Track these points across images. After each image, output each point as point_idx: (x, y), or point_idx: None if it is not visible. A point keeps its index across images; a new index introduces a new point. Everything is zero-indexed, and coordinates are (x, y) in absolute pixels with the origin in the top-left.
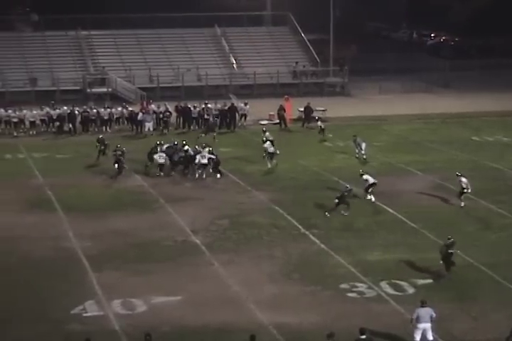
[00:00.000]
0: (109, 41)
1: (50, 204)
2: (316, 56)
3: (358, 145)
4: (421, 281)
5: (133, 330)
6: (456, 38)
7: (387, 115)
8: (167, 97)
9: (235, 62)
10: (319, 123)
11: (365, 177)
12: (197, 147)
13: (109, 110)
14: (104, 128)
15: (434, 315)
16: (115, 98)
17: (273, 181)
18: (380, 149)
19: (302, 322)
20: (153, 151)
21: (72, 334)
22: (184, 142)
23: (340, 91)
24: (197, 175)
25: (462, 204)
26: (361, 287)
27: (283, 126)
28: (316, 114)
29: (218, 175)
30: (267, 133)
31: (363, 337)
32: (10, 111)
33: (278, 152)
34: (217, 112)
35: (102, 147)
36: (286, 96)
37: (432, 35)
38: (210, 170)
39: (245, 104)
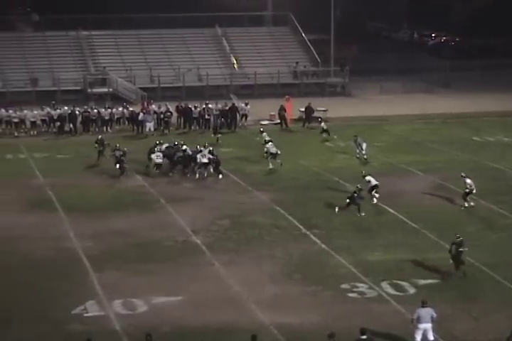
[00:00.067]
0: (110, 41)
1: (50, 204)
2: (316, 56)
3: (358, 145)
4: (422, 281)
5: (134, 330)
6: (456, 38)
7: (387, 115)
8: (168, 97)
9: (235, 62)
10: (322, 124)
11: (367, 178)
12: (198, 146)
13: (109, 110)
14: (104, 128)
15: (434, 315)
16: (116, 98)
17: (274, 181)
18: (381, 149)
19: (303, 323)
20: (152, 151)
21: (73, 334)
22: (182, 142)
23: (341, 91)
24: (197, 175)
25: (466, 204)
26: (362, 287)
27: (284, 126)
28: (317, 115)
29: (220, 176)
30: (264, 134)
31: (364, 337)
32: (11, 111)
33: (279, 152)
34: (217, 112)
35: (101, 148)
36: (286, 97)
37: (433, 35)
38: (212, 171)
39: (246, 104)
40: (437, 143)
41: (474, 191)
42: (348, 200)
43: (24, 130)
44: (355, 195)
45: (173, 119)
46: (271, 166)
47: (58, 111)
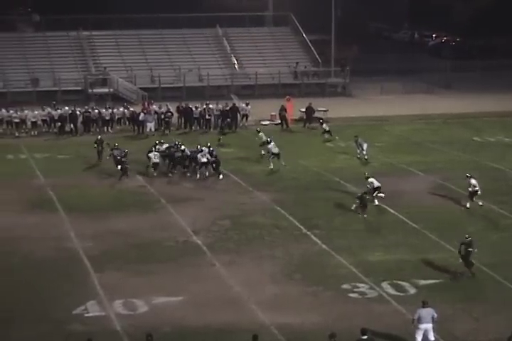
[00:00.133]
0: (111, 41)
1: (51, 204)
2: (317, 56)
3: (359, 145)
4: (422, 282)
5: (134, 331)
6: (457, 38)
7: (388, 115)
8: (168, 98)
9: (236, 62)
10: (324, 125)
11: (370, 180)
12: (198, 146)
13: (110, 110)
14: (105, 128)
15: (435, 315)
16: (117, 98)
17: (274, 181)
18: (382, 149)
19: (304, 323)
20: (150, 150)
21: (73, 334)
22: (180, 143)
23: (341, 91)
24: (198, 175)
25: (468, 205)
26: (363, 287)
27: (284, 126)
28: (318, 115)
29: (220, 176)
30: (261, 133)
31: (365, 337)
32: (12, 111)
33: (263, 152)
34: (218, 113)
35: (100, 148)
36: (287, 97)
37: (434, 35)
38: (211, 170)
39: (247, 105)
40: (438, 143)
41: (479, 192)
42: (358, 201)
43: (25, 130)
44: (366, 195)
45: (174, 119)
46: (272, 166)
47: (59, 111)
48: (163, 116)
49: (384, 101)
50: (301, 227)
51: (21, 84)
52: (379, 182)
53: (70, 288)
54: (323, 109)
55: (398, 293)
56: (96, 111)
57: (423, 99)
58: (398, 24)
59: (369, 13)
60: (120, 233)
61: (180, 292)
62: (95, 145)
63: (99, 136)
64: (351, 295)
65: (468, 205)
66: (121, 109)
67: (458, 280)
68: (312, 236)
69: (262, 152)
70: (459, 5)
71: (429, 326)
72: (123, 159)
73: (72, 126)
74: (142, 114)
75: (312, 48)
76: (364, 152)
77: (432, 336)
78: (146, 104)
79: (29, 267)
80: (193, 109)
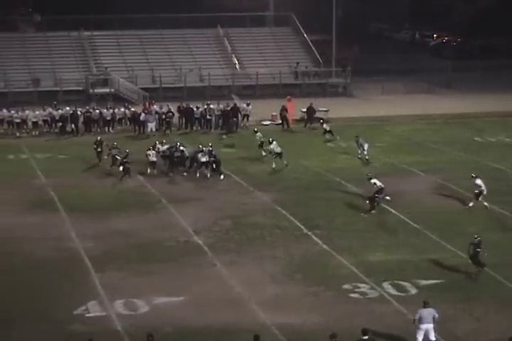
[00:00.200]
0: (112, 42)
1: (52, 204)
2: (318, 57)
3: (360, 145)
4: (423, 282)
5: (135, 331)
6: (458, 38)
7: (389, 116)
8: (169, 98)
9: (237, 62)
10: (325, 125)
11: (373, 181)
12: (200, 146)
13: (111, 110)
14: (106, 128)
15: (436, 315)
16: (118, 98)
17: (275, 182)
18: (383, 150)
19: (305, 323)
20: (148, 149)
21: (74, 334)
22: (179, 143)
23: (342, 91)
24: (198, 174)
25: (470, 204)
26: (364, 287)
27: (285, 126)
28: (318, 115)
29: (221, 177)
30: (258, 133)
31: (366, 337)
32: (13, 111)
33: (264, 153)
34: (219, 113)
35: (100, 149)
36: (288, 97)
37: (435, 35)
38: (211, 170)
39: (248, 105)
40: (439, 143)
41: (485, 192)
42: (368, 201)
43: (26, 130)
44: (377, 195)
45: (175, 120)
46: (274, 165)
47: (60, 111)
48: (164, 117)
49: (385, 101)
50: (302, 227)
51: (22, 84)
52: (382, 182)
53: (71, 288)
54: (324, 109)
55: (399, 293)
56: (97, 111)
57: (424, 99)
58: (399, 24)
59: (370, 13)
60: (121, 233)
61: (182, 292)
62: (95, 147)
63: (99, 137)
64: (352, 295)
65: (471, 204)
66: (122, 109)
67: (475, 279)
68: (313, 237)
69: (263, 153)
70: (460, 5)
71: (430, 326)
72: (125, 159)
73: (73, 126)
74: (143, 114)
75: (313, 48)
76: (365, 152)
77: (432, 336)
78: (147, 104)
79: (30, 267)
80: (194, 109)
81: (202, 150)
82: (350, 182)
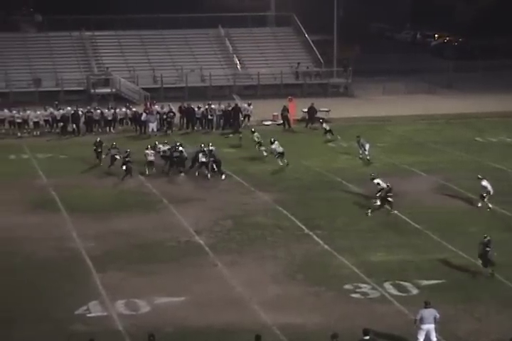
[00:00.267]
0: (113, 42)
1: (53, 204)
2: (319, 57)
3: (361, 145)
4: (425, 282)
5: (136, 331)
6: (459, 38)
7: (390, 116)
8: (171, 98)
9: (238, 62)
10: (324, 125)
11: (376, 181)
12: (202, 145)
13: (112, 111)
14: (107, 128)
15: (437, 316)
16: (119, 98)
17: (277, 182)
18: (384, 150)
19: (306, 323)
20: (147, 148)
21: (75, 334)
22: (178, 143)
23: (343, 91)
24: (197, 173)
25: (479, 204)
26: (365, 288)
27: (286, 126)
28: (319, 115)
29: (223, 176)
30: (256, 134)
31: (367, 337)
32: (14, 111)
33: (265, 153)
34: (220, 113)
35: (100, 149)
36: (289, 97)
37: (436, 35)
38: (211, 170)
39: (249, 105)
40: (440, 143)
41: (491, 193)
42: (380, 200)
43: (27, 130)
44: (388, 195)
45: (176, 120)
46: (281, 163)
47: (61, 111)
48: (165, 117)
49: (386, 101)
50: (303, 227)
51: (24, 85)
52: (385, 182)
53: (72, 288)
54: (326, 109)
55: (400, 294)
56: (98, 111)
57: (425, 99)
58: (400, 24)
59: (371, 13)
60: (122, 233)
61: (183, 292)
62: (94, 148)
63: (98, 138)
64: (353, 295)
65: (479, 204)
66: (123, 109)
67: (491, 278)
68: (314, 237)
69: (265, 153)
70: (462, 5)
71: (432, 326)
72: (127, 158)
73: (74, 126)
74: (144, 114)
75: (314, 48)
76: (366, 152)
77: (434, 336)
78: (148, 104)
79: (31, 267)
80: (195, 109)
81: (202, 150)
82: (351, 182)
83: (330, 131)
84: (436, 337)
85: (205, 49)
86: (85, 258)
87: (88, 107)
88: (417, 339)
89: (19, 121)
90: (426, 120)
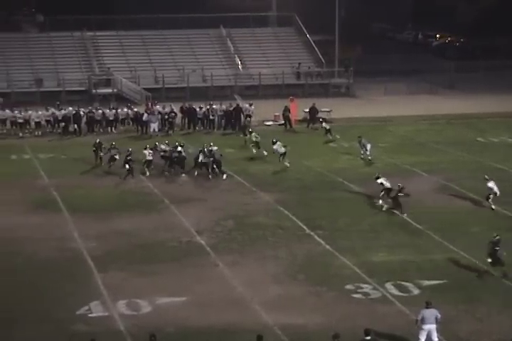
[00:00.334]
0: (115, 42)
1: (55, 204)
2: (321, 57)
3: (363, 146)
4: (426, 282)
5: (138, 331)
6: (461, 38)
7: (392, 116)
8: (172, 98)
9: (240, 62)
10: (324, 124)
11: (379, 181)
12: (204, 145)
13: (114, 111)
14: (109, 129)
15: (439, 316)
16: (120, 99)
17: (278, 182)
18: (385, 150)
19: (307, 323)
20: (145, 148)
21: (77, 334)
22: (177, 143)
23: (345, 92)
24: (196, 173)
25: (493, 206)
26: (366, 288)
27: (288, 127)
28: (320, 115)
29: (224, 176)
30: (254, 134)
31: (368, 338)
32: (16, 111)
33: (266, 153)
34: (222, 113)
35: (99, 151)
36: (291, 97)
37: (437, 36)
38: (211, 171)
39: (250, 105)
40: (442, 143)
41: (498, 194)
42: (391, 201)
43: (29, 130)
44: (399, 194)
45: (178, 120)
46: (286, 163)
47: (63, 111)
48: (166, 117)
49: (388, 101)
50: (305, 228)
51: (25, 85)
52: (389, 182)
53: (74, 288)
54: (327, 109)
55: (402, 294)
56: (100, 111)
57: (427, 99)
58: (402, 24)
59: (373, 13)
60: (124, 233)
61: (184, 292)
62: (94, 149)
63: (98, 140)
64: (355, 295)
65: (493, 206)
66: (125, 110)
67: (508, 277)
68: (315, 237)
69: (265, 152)
70: (463, 5)
71: (433, 327)
72: (129, 157)
73: (76, 126)
74: (146, 115)
75: (316, 49)
76: (368, 152)
77: (435, 337)
78: (149, 104)
79: (32, 267)
80: (197, 109)
81: (202, 151)
82: (352, 182)
83: (329, 130)
84: (438, 337)
85: (206, 49)
86: (87, 258)
87: (90, 107)
88: (419, 339)
89: (21, 121)
90: (427, 120)
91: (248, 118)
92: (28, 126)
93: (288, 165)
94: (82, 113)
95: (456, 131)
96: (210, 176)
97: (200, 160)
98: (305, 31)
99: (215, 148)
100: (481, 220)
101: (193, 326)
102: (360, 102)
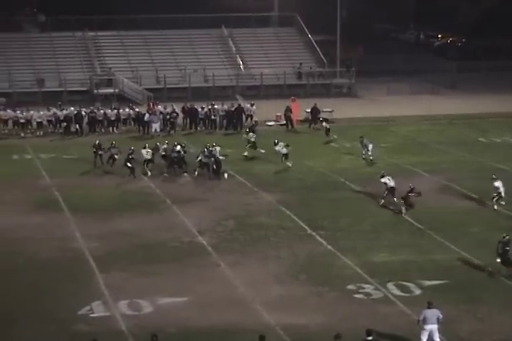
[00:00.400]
0: (116, 42)
1: (56, 204)
2: (322, 57)
3: (364, 146)
4: (427, 282)
5: (139, 331)
6: (463, 39)
7: (394, 116)
8: (174, 98)
9: (241, 63)
10: (324, 124)
11: (383, 180)
12: (207, 145)
13: (116, 111)
14: (111, 129)
15: (440, 316)
16: (122, 99)
17: (280, 182)
18: (387, 150)
19: (309, 323)
20: (144, 147)
21: (78, 334)
22: (176, 143)
23: (347, 92)
24: (196, 173)
25: (495, 206)
26: (368, 288)
27: (290, 127)
28: (322, 115)
29: (225, 175)
30: (251, 134)
31: (370, 338)
32: (18, 111)
33: (263, 151)
34: (223, 113)
35: (100, 152)
36: (292, 98)
37: (439, 36)
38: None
39: (252, 105)
40: (443, 144)
41: (503, 194)
42: (402, 201)
43: (30, 130)
44: (411, 194)
45: (179, 120)
46: (288, 163)
47: (64, 111)
48: (168, 117)
49: (390, 101)
50: (307, 228)
51: (27, 85)
52: (393, 182)
53: (75, 288)
54: (329, 109)
55: (403, 294)
56: (101, 111)
57: (429, 99)
58: (404, 25)
59: (375, 13)
60: (125, 233)
61: (185, 292)
62: (94, 150)
63: (97, 141)
64: (356, 295)
65: (495, 207)
66: (126, 110)
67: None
68: (317, 237)
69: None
70: (465, 6)
71: (434, 327)
72: (130, 156)
73: (77, 126)
74: (147, 115)
75: (317, 49)
76: (369, 152)
77: (437, 337)
78: (151, 104)
79: (34, 267)
80: (199, 109)
81: (203, 151)
82: (354, 182)
83: (328, 129)
84: (439, 337)
85: (208, 49)
86: (88, 258)
87: (91, 107)
88: (421, 339)
89: (22, 121)
90: (429, 120)
91: (256, 120)
92: (29, 126)
93: (289, 165)
94: (83, 113)
95: (458, 131)
96: (210, 176)
97: (199, 159)
98: (307, 31)
99: (218, 148)
100: (482, 220)
101: (194, 326)
102: (362, 102)
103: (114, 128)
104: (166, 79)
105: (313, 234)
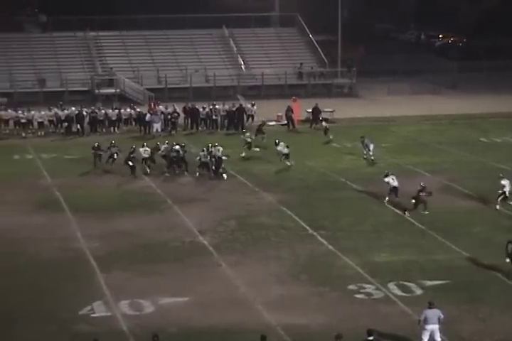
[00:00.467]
0: (117, 42)
1: (58, 204)
2: (323, 57)
3: (365, 146)
4: (429, 282)
5: (140, 331)
6: (464, 39)
7: (395, 116)
8: (175, 98)
9: (242, 63)
10: (324, 123)
11: (386, 179)
12: (210, 145)
13: (117, 111)
14: (112, 129)
15: (441, 316)
16: (123, 99)
17: (281, 182)
18: (388, 150)
19: (310, 323)
20: (143, 146)
21: (79, 334)
22: (175, 143)
23: (348, 92)
24: (197, 174)
25: (497, 206)
26: (369, 288)
27: (291, 127)
28: (322, 115)
29: (225, 176)
30: (247, 134)
31: (371, 338)
32: (19, 111)
33: (257, 149)
34: (224, 113)
35: (100, 153)
36: (293, 98)
37: (440, 36)
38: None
39: (253, 105)
40: (444, 144)
41: (507, 193)
42: (413, 200)
43: (32, 131)
44: (421, 193)
45: (181, 120)
46: (288, 164)
47: (66, 111)
48: (169, 117)
49: (391, 101)
50: (308, 228)
51: (28, 85)
52: (397, 181)
53: (76, 288)
54: (330, 109)
55: (404, 294)
56: (102, 111)
57: (430, 99)
58: (405, 25)
59: (376, 13)
60: (126, 233)
61: (187, 292)
62: (93, 152)
63: (97, 143)
64: (357, 295)
65: (498, 207)
66: (127, 110)
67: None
68: (318, 237)
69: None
70: (466, 6)
71: (436, 327)
72: (131, 155)
73: (78, 126)
74: (149, 115)
75: (318, 49)
76: (370, 152)
77: (438, 337)
78: (152, 104)
79: (35, 267)
80: (200, 109)
81: (202, 151)
82: (355, 182)
83: (327, 129)
84: (441, 337)
85: (209, 49)
86: (89, 258)
87: (92, 107)
88: (422, 339)
89: (24, 121)
90: (430, 120)
91: (264, 120)
92: (30, 126)
93: (290, 164)
94: (84, 113)
95: (459, 131)
96: (210, 176)
97: (199, 159)
98: (308, 31)
99: (220, 148)
100: (484, 220)
101: (195, 326)
102: (363, 102)
103: (116, 128)
104: (167, 79)
105: (314, 234)
